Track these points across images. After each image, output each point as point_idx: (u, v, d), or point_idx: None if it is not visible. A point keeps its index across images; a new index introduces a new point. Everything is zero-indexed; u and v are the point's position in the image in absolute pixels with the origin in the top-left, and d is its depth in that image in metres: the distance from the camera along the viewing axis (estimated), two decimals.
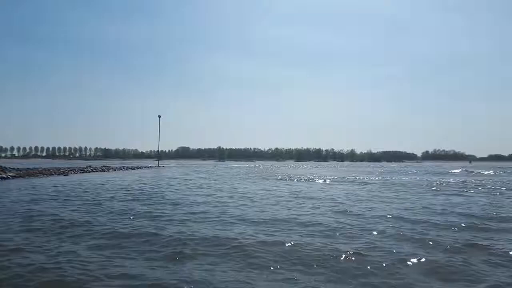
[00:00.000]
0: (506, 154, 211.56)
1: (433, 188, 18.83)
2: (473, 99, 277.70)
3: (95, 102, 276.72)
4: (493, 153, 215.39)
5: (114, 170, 45.33)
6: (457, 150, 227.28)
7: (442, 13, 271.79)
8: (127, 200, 12.76)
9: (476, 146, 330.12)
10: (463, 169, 55.12)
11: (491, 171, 45.52)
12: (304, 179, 26.83)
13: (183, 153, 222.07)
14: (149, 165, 67.88)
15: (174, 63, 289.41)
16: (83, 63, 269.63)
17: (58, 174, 30.92)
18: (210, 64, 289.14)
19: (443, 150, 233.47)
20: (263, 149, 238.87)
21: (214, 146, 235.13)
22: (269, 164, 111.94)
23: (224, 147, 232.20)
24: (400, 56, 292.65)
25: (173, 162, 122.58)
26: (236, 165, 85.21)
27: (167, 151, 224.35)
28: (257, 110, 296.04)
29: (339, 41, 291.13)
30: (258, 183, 22.37)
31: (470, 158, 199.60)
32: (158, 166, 66.06)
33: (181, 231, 7.45)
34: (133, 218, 9.05)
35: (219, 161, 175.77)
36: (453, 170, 52.18)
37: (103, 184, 20.29)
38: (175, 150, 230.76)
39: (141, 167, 57.62)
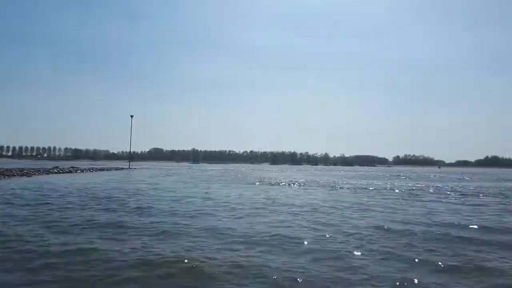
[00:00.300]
0: (472, 160, 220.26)
1: (415, 194, 18.84)
2: (443, 105, 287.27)
3: (66, 101, 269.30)
4: (461, 159, 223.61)
5: (82, 171, 43.66)
6: (426, 156, 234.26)
7: (415, 21, 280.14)
8: (83, 208, 11.79)
9: (444, 152, 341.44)
10: (436, 174, 56.40)
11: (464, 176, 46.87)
12: (279, 183, 26.52)
13: (156, 155, 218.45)
14: (120, 167, 66.00)
15: (150, 63, 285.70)
16: (60, 61, 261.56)
17: (21, 175, 29.32)
18: (185, 65, 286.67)
19: (414, 155, 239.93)
20: (238, 152, 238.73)
21: (188, 148, 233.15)
22: (244, 167, 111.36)
23: (199, 149, 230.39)
24: (374, 61, 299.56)
25: (145, 164, 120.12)
26: (210, 168, 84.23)
27: (139, 152, 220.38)
28: (232, 112, 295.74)
29: (314, 44, 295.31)
30: (232, 187, 21.82)
31: (439, 164, 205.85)
32: (129, 167, 64.38)
33: (136, 247, 6.34)
34: (82, 232, 7.65)
35: (193, 163, 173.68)
36: (425, 174, 53.32)
37: (66, 187, 19.21)
38: (148, 152, 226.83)
39: (111, 169, 55.87)
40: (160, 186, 21.64)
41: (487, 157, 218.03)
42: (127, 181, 26.44)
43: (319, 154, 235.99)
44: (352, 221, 9.60)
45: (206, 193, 17.45)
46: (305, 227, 8.67)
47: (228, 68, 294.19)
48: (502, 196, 18.27)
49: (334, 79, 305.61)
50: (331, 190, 21.06)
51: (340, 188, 22.66)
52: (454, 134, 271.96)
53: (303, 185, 24.84)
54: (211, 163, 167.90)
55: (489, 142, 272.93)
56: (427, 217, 10.39)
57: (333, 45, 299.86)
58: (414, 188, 23.71)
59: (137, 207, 11.66)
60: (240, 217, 10.01)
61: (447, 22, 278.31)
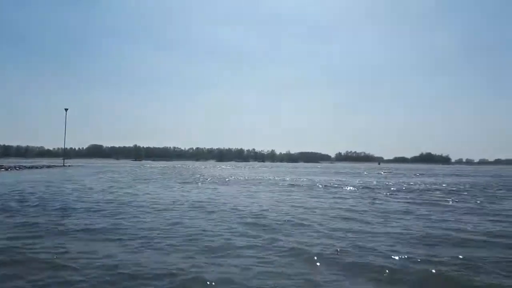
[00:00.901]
0: (409, 156, 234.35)
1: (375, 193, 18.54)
2: (383, 105, 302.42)
3: None
4: (398, 155, 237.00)
5: (7, 169, 39.50)
6: (367, 152, 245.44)
7: (363, 22, 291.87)
8: None
9: (383, 149, 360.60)
10: (382, 171, 58.31)
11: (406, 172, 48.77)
12: (223, 181, 25.35)
13: (95, 152, 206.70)
14: (52, 164, 61.06)
15: (92, 55, 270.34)
16: None
17: None
18: (130, 58, 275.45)
19: (355, 152, 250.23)
20: (183, 149, 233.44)
21: (130, 144, 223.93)
22: (190, 164, 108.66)
23: (141, 146, 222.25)
24: (318, 60, 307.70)
25: (82, 161, 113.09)
26: (152, 165, 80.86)
27: (76, 149, 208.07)
28: (179, 108, 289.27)
29: (262, 42, 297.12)
30: (171, 187, 20.23)
31: (379, 160, 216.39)
32: (64, 165, 59.77)
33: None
34: None
35: (135, 160, 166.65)
36: (367, 171, 54.94)
37: None
38: (86, 148, 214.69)
39: (42, 167, 51.39)
40: (107, 189, 19.53)
41: (421, 154, 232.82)
42: (59, 180, 23.82)
43: (266, 151, 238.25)
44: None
45: (151, 194, 15.83)
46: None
47: (174, 63, 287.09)
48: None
49: (280, 77, 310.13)
50: (276, 187, 20.32)
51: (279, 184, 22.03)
52: (393, 132, 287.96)
53: (244, 183, 23.88)
54: (155, 160, 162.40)
55: (424, 140, 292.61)
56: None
57: (279, 43, 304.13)
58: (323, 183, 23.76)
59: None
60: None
61: (394, 24, 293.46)
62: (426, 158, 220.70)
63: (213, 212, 10.29)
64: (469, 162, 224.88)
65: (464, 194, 17.00)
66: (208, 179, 27.08)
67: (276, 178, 30.69)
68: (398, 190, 18.73)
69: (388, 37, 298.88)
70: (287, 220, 8.89)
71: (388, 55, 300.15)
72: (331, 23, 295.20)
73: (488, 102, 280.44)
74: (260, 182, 24.43)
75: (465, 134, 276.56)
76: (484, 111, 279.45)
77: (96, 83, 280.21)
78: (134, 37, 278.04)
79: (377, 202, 13.33)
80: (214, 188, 18.90)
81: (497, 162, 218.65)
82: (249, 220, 8.94)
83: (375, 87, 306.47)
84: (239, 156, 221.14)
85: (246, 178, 30.12)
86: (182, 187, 19.78)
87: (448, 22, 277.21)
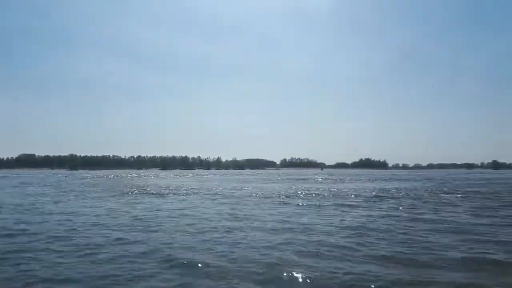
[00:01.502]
0: (349, 162, 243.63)
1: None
2: (326, 113, 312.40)
3: None
4: (340, 161, 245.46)
5: None
6: (310, 158, 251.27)
7: (305, 34, 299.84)
8: None
9: (325, 155, 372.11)
10: (323, 176, 58.72)
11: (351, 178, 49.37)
12: (165, 193, 23.30)
13: (27, 161, 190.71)
14: None
15: (18, 59, 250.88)
16: None
17: None
18: (63, 61, 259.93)
19: (299, 158, 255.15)
20: (124, 157, 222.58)
21: (65, 153, 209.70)
22: (131, 173, 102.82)
23: (78, 154, 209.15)
24: (267, 70, 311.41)
25: (12, 172, 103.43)
26: (85, 175, 75.33)
27: (5, 158, 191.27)
28: (118, 115, 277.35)
29: (211, 51, 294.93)
30: (101, 202, 17.95)
31: (322, 166, 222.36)
32: None
33: None
34: None
35: (71, 170, 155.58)
36: (315, 176, 55.04)
37: None
38: (16, 158, 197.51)
39: None
40: (19, 206, 16.71)
41: (361, 159, 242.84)
42: None
43: (212, 158, 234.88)
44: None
45: (74, 211, 13.56)
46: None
47: (111, 67, 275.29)
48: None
49: (226, 85, 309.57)
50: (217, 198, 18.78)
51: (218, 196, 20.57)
52: (335, 139, 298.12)
53: (201, 196, 22.09)
54: (92, 169, 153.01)
55: (363, 146, 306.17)
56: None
57: (222, 51, 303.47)
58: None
59: None
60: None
61: (337, 37, 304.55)
62: (365, 164, 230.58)
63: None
64: (404, 167, 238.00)
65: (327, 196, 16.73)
66: (136, 191, 24.85)
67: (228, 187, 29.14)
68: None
69: (330, 47, 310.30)
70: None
71: (331, 65, 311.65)
72: (273, 36, 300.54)
73: (423, 111, 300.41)
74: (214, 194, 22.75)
75: (401, 141, 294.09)
76: (418, 119, 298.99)
77: (26, 89, 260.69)
78: (67, 41, 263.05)
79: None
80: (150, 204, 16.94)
81: (430, 166, 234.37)
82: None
83: (319, 96, 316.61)
84: (184, 164, 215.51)
85: (203, 190, 28.20)
86: (126, 200, 17.59)
87: (387, 35, 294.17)
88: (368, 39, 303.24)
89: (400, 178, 50.99)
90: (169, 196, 20.38)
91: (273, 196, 20.38)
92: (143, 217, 11.88)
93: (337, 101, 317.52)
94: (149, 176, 69.38)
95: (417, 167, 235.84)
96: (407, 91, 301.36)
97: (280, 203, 16.34)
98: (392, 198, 19.11)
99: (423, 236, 8.47)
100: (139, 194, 22.35)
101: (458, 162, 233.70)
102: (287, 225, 10.02)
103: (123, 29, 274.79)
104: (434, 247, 7.37)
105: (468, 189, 25.95)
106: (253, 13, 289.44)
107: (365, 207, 14.66)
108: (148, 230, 9.34)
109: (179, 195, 21.44)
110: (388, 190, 25.61)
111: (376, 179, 46.98)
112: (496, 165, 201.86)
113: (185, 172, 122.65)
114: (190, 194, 21.87)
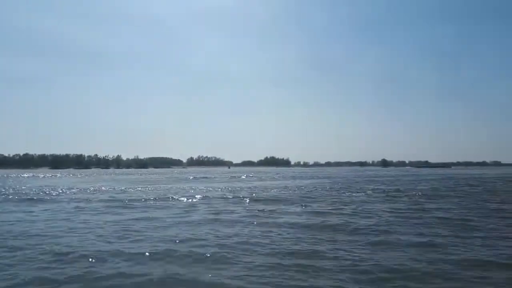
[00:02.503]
0: (255, 160, 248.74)
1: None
2: (229, 113, 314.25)
3: None
4: (246, 159, 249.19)
5: None
6: (218, 157, 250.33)
7: (216, 34, 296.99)
8: None
9: (233, 153, 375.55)
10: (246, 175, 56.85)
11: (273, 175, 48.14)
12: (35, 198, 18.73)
13: None
14: None
15: None
16: None
17: None
18: None
19: (206, 157, 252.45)
20: (7, 155, 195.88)
21: None
22: (10, 174, 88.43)
23: None
24: (173, 64, 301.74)
25: None
26: None
27: None
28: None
29: (112, 42, 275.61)
30: None
31: (229, 164, 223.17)
32: None
33: None
34: None
35: None
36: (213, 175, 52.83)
37: None
38: None
39: None
40: None
41: (266, 157, 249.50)
42: None
43: (111, 156, 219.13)
44: None
45: None
46: None
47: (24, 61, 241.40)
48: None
49: (125, 78, 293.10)
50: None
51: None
52: (243, 138, 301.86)
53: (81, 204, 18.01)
54: None
55: (268, 145, 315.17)
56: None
57: (121, 41, 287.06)
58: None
59: None
60: None
61: (242, 37, 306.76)
62: (271, 161, 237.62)
63: None
64: (305, 165, 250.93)
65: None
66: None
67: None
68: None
69: (227, 46, 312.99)
70: None
71: (234, 65, 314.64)
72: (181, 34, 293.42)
73: (323, 111, 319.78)
74: None
75: (305, 140, 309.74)
76: (318, 119, 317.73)
77: None
78: None
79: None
80: None
81: (328, 164, 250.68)
82: None
83: (226, 96, 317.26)
84: (79, 162, 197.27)
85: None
86: None
87: (294, 36, 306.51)
88: (266, 39, 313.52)
89: (305, 176, 51.69)
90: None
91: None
92: None
93: (245, 99, 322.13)
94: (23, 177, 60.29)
95: (317, 165, 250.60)
96: (309, 91, 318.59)
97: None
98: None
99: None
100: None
101: (353, 161, 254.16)
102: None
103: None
104: None
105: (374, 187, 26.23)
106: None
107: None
108: None
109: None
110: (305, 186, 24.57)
111: (282, 177, 46.72)
112: (384, 163, 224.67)
113: (78, 172, 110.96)
114: None
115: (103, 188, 27.10)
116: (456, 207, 13.61)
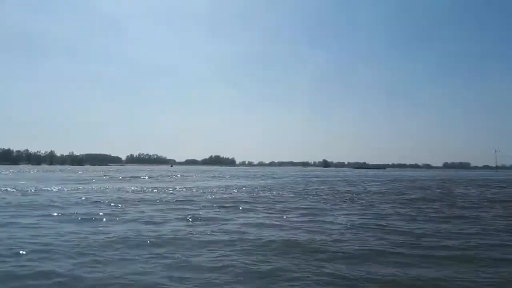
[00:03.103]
0: (199, 159, 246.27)
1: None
2: (173, 110, 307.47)
3: None
4: (190, 158, 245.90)
5: None
6: (159, 155, 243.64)
7: (159, 27, 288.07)
8: None
9: (176, 152, 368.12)
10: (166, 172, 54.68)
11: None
12: None
13: None
14: None
15: None
16: None
17: None
18: None
19: (147, 154, 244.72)
20: None
21: None
22: None
23: None
24: (115, 56, 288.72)
25: None
26: None
27: None
28: None
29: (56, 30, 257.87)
30: None
31: (171, 162, 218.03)
32: None
33: None
34: None
35: None
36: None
37: None
38: None
39: None
40: None
41: (211, 156, 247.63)
42: None
43: (43, 152, 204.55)
44: None
45: None
46: None
47: None
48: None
49: (60, 69, 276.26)
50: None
51: None
52: (186, 136, 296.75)
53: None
54: None
55: (213, 144, 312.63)
56: None
57: (68, 34, 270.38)
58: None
59: None
60: None
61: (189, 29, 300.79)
62: (215, 161, 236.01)
63: None
64: (250, 164, 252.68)
65: None
66: None
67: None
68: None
69: (176, 40, 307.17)
70: None
71: (185, 61, 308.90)
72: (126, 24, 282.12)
73: (263, 112, 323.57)
74: None
75: (249, 140, 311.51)
76: (262, 119, 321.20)
77: None
78: None
79: None
80: None
81: (272, 164, 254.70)
82: None
83: (171, 91, 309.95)
84: (6, 158, 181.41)
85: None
86: None
87: (235, 33, 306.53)
88: (215, 33, 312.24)
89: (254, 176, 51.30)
90: None
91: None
92: None
93: (193, 96, 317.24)
94: None
95: (261, 164, 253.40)
96: (249, 90, 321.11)
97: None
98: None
99: None
100: None
101: (295, 161, 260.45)
102: None
103: None
104: None
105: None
106: None
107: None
108: None
109: None
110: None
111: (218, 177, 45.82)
112: (326, 164, 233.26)
113: (5, 168, 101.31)
114: None
115: None
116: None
